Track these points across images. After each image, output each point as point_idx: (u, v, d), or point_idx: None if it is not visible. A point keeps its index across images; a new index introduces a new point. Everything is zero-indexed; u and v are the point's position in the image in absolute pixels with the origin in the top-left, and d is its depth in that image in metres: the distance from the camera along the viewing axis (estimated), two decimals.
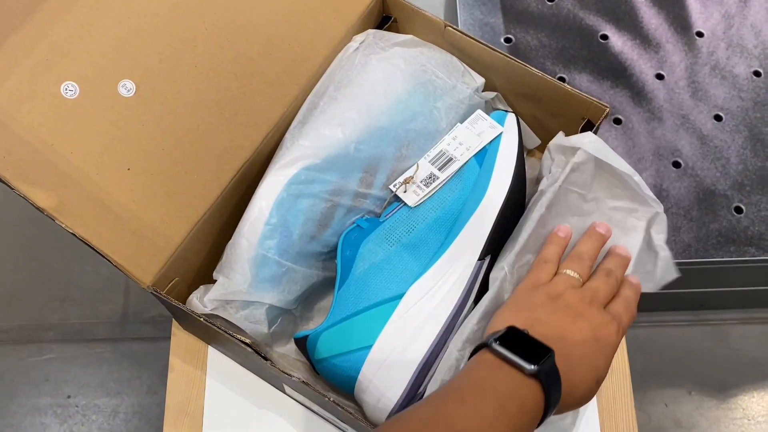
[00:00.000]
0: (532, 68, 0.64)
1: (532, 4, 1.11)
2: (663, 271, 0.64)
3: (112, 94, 0.54)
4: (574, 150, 0.60)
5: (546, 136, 0.68)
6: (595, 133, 0.62)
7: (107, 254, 0.54)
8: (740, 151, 1.03)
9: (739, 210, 1.00)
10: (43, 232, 1.24)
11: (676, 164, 1.02)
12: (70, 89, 0.52)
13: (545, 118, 0.69)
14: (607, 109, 0.62)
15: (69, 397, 1.18)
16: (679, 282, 1.06)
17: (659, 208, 0.62)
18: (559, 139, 0.61)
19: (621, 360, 0.75)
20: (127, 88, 0.55)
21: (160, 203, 0.56)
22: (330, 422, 0.69)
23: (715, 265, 0.99)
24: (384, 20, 0.69)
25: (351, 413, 0.57)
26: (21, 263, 1.25)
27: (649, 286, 0.64)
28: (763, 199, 1.00)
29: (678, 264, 0.97)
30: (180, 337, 0.72)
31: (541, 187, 0.62)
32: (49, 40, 0.52)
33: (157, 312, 1.22)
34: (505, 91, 0.70)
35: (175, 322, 0.72)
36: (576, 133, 0.63)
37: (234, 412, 0.71)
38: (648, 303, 1.16)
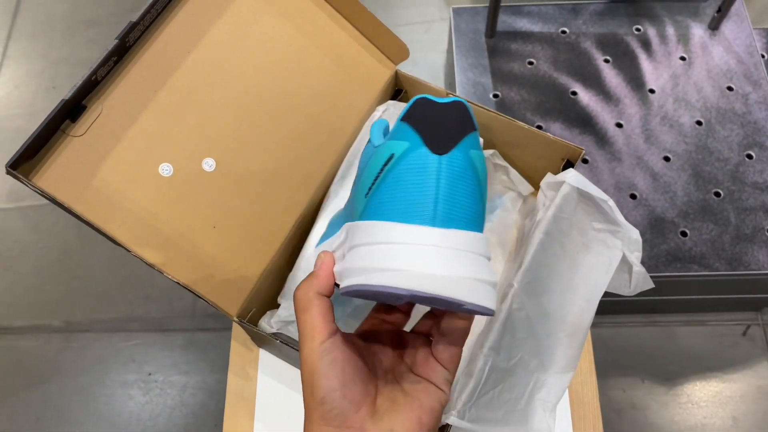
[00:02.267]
0: (518, 122, 0.59)
1: (515, 67, 1.06)
2: (638, 282, 0.60)
3: (198, 170, 0.53)
4: (560, 184, 0.56)
5: (534, 176, 0.63)
6: (574, 169, 0.57)
7: (203, 295, 0.52)
8: (685, 186, 0.97)
9: (684, 234, 0.94)
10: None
11: (633, 196, 0.97)
12: (165, 169, 0.51)
13: (532, 161, 0.63)
14: (582, 151, 0.57)
15: (150, 374, 1.14)
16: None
17: (634, 231, 0.58)
18: (548, 178, 0.58)
19: (587, 355, 0.70)
20: (209, 164, 0.54)
21: (239, 252, 0.55)
22: None
23: (665, 279, 0.93)
24: (397, 92, 0.66)
25: None
26: (114, 270, 1.22)
27: (626, 292, 0.61)
28: (704, 225, 0.94)
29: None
30: (238, 335, 0.69)
31: (538, 217, 0.57)
32: (148, 132, 0.51)
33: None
34: (498, 142, 0.64)
35: (233, 333, 0.69)
36: (559, 171, 0.59)
37: (280, 397, 0.66)
38: (609, 307, 1.10)
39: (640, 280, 0.60)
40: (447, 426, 0.49)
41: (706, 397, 1.04)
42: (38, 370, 1.15)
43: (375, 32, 0.59)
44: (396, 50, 0.60)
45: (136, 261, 1.35)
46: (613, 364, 1.06)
